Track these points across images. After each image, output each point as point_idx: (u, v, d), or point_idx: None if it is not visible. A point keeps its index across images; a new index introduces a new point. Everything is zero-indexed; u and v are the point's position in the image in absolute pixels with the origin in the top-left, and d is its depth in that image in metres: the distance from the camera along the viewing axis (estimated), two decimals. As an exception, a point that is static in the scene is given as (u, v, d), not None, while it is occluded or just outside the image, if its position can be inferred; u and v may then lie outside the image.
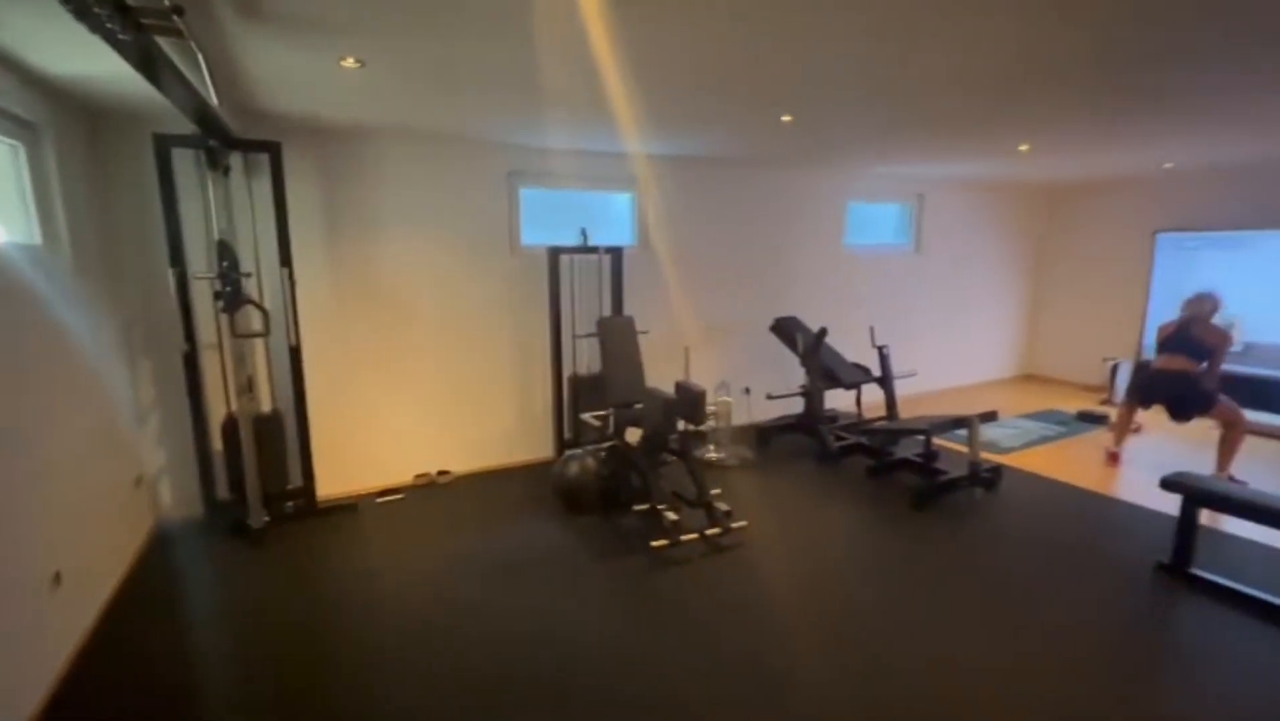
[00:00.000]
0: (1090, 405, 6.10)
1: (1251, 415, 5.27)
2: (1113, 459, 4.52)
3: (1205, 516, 3.35)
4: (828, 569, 3.08)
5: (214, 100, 2.48)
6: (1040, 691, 2.21)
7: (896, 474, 4.28)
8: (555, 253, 4.22)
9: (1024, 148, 4.42)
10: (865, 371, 4.97)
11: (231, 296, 3.22)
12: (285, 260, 3.37)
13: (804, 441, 4.95)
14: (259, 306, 3.34)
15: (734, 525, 3.34)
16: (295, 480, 3.65)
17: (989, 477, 3.94)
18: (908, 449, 4.48)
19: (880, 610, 2.70)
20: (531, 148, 4.24)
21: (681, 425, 3.55)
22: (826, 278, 5.82)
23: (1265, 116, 3.52)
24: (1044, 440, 5.08)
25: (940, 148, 4.52)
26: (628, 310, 4.49)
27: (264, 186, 3.35)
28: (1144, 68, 2.54)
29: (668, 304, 4.99)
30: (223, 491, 3.51)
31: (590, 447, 3.87)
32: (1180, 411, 4.15)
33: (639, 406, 3.65)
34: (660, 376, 4.56)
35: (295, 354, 3.47)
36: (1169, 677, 2.30)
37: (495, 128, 3.63)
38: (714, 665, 2.35)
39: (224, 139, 3.08)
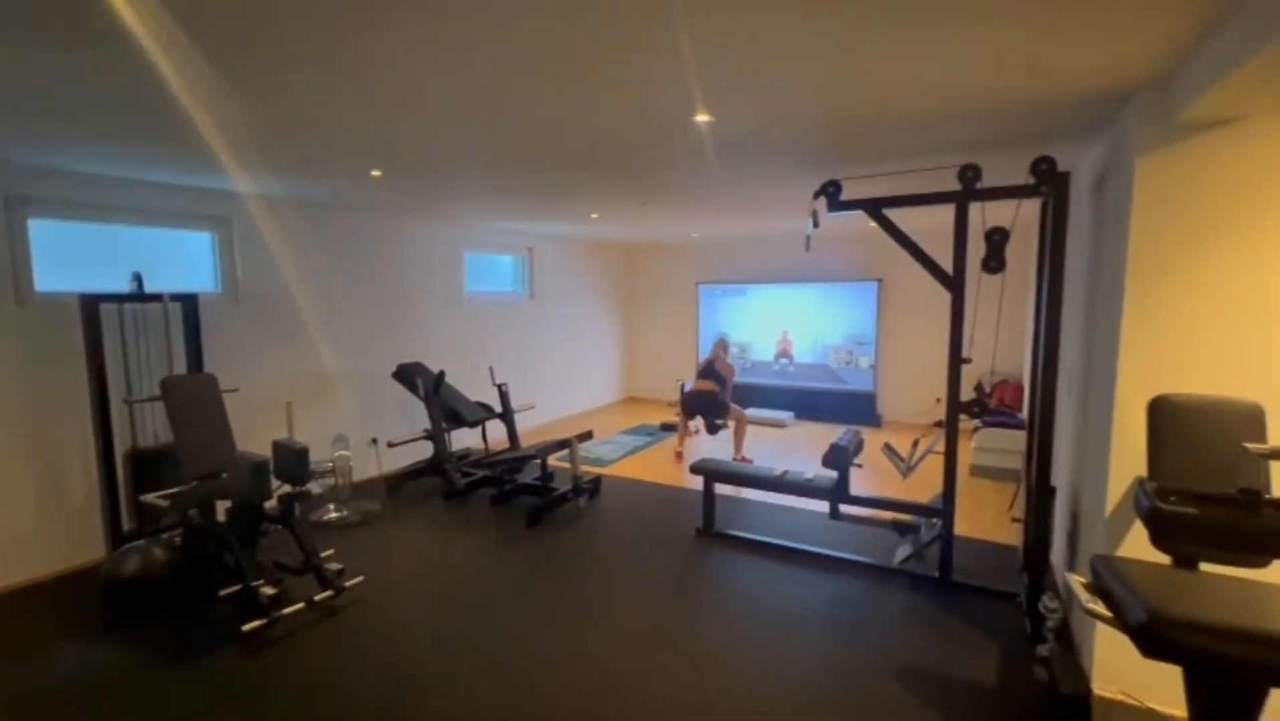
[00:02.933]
0: (669, 417, 7.74)
1: (757, 412, 7.49)
2: (678, 457, 5.87)
3: (730, 489, 4.65)
4: (450, 599, 3.22)
5: None
6: (619, 626, 2.75)
7: (519, 498, 4.71)
8: (93, 301, 3.42)
9: (594, 216, 5.49)
10: (487, 409, 5.34)
11: None
12: None
13: (435, 483, 5.03)
14: None
15: (349, 583, 3.21)
16: None
17: (589, 488, 4.68)
18: (530, 474, 4.98)
19: (500, 621, 2.96)
20: (48, 168, 3.37)
21: (285, 488, 3.26)
22: (449, 323, 6.07)
23: (733, 210, 5.17)
24: (636, 450, 6.25)
25: (534, 211, 5.26)
26: (211, 367, 3.90)
27: None
28: (651, 172, 3.51)
29: (268, 356, 4.51)
30: None
31: (165, 535, 3.22)
32: (710, 417, 5.68)
33: (225, 476, 3.21)
34: (260, 438, 4.07)
35: None
36: (701, 597, 3.14)
37: (-26, 142, 2.80)
38: (317, 734, 2.23)
39: None
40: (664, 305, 8.90)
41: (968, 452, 5.34)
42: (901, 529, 3.47)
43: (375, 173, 3.49)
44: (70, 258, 3.65)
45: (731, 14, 1.60)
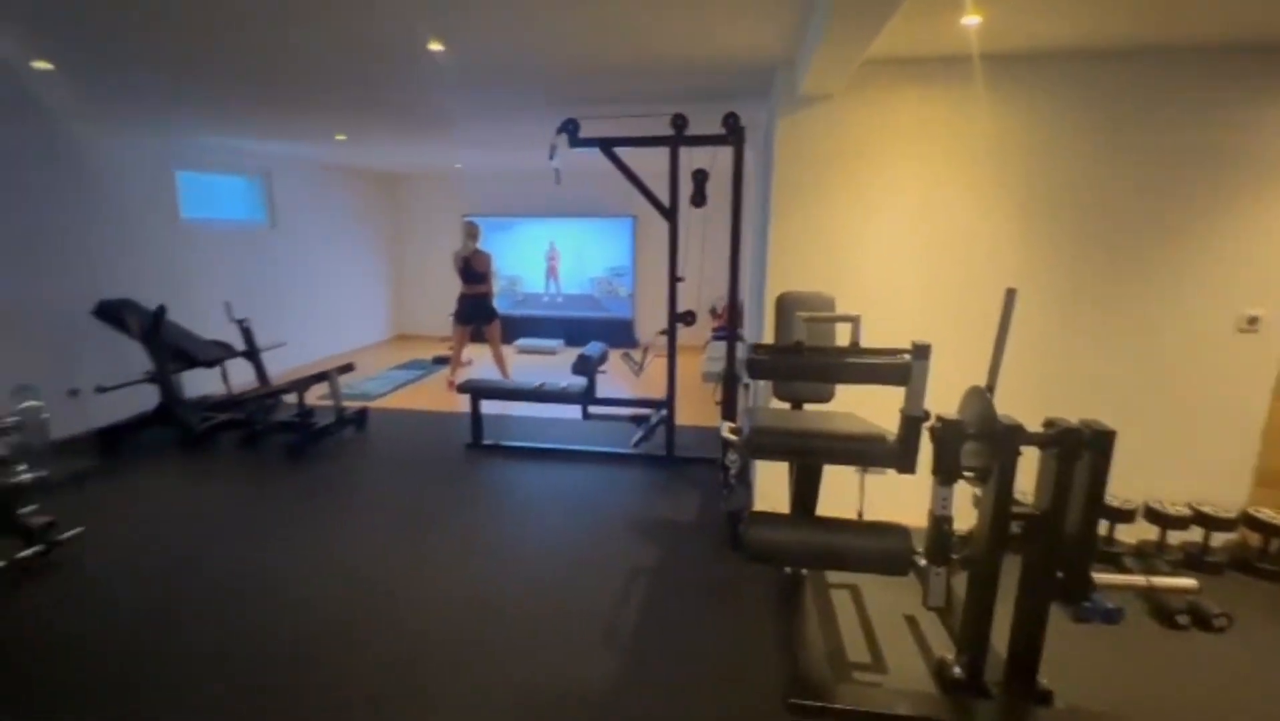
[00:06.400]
0: (443, 351, 7.75)
1: (530, 341, 7.90)
2: (450, 385, 6.02)
3: (499, 407, 5.00)
4: (199, 539, 3.10)
5: None
6: (389, 535, 2.99)
7: (273, 438, 4.50)
8: None
9: (341, 137, 5.16)
10: (226, 347, 4.87)
11: None
12: None
13: (167, 433, 4.52)
14: None
15: (63, 536, 2.90)
16: None
17: (354, 419, 4.66)
18: (287, 413, 4.74)
19: (259, 553, 2.96)
20: None
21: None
22: (162, 253, 5.26)
23: (488, 142, 5.27)
24: (407, 383, 6.24)
25: (262, 129, 4.77)
26: None
27: None
28: (393, 96, 3.49)
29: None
30: None
31: None
32: (482, 322, 5.93)
33: None
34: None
35: None
36: (468, 498, 3.50)
37: None
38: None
39: None
40: (431, 238, 8.66)
41: (699, 362, 6.41)
42: (638, 420, 4.20)
43: (41, 64, 2.92)
44: None
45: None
